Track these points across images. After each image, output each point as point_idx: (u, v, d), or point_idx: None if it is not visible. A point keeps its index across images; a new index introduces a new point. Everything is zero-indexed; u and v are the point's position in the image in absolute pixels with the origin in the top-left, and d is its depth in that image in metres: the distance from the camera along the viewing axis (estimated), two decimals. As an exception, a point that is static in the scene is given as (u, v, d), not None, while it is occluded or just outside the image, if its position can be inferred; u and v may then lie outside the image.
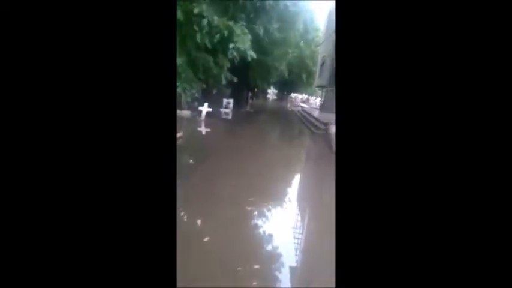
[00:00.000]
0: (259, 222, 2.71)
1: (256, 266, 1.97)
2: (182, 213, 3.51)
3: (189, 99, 8.54)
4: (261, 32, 6.25)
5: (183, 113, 8.88)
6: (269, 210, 2.98)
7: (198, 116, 8.92)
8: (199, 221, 2.80)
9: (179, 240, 2.99)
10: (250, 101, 13.27)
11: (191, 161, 5.59)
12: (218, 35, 4.90)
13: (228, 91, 10.92)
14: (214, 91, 7.32)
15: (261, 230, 2.55)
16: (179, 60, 4.51)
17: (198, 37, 4.93)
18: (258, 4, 6.15)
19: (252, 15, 6.22)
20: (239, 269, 1.91)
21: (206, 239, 2.79)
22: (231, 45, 4.92)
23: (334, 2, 14.62)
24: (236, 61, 5.51)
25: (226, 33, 4.88)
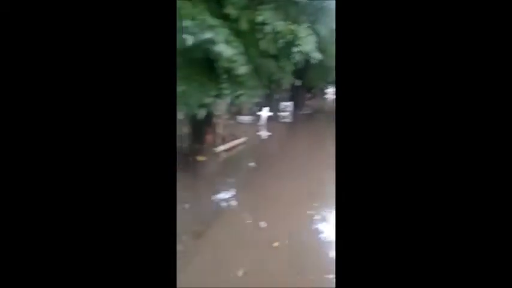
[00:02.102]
0: (320, 227, 2.62)
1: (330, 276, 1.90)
2: (244, 216, 3.59)
3: (250, 105, 8.77)
4: (322, 32, 6.07)
5: (244, 119, 9.16)
6: (331, 214, 2.86)
7: (257, 121, 9.08)
8: (263, 225, 2.82)
9: (250, 242, 3.05)
10: (308, 102, 13.04)
11: (253, 164, 5.69)
12: (282, 40, 4.92)
13: (287, 94, 10.90)
14: (277, 96, 7.37)
15: (322, 236, 2.46)
16: (243, 69, 4.67)
17: (262, 44, 5.02)
18: (319, 6, 6.00)
19: (313, 17, 6.10)
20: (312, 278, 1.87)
21: (276, 244, 2.78)
22: (295, 49, 4.88)
23: None
24: (300, 65, 5.46)
25: (290, 37, 4.87)
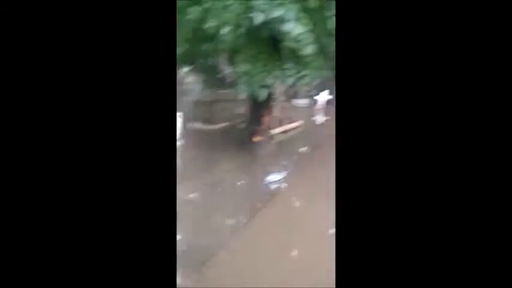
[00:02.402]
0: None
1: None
2: (293, 199, 3.55)
3: (309, 88, 8.46)
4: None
5: (300, 102, 8.93)
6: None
7: (314, 105, 8.78)
8: (311, 210, 2.71)
9: (300, 226, 3.00)
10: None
11: (305, 149, 5.60)
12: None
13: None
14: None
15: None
16: (310, 49, 4.44)
17: (331, 23, 4.70)
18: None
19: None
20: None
21: (332, 231, 2.68)
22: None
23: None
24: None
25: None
